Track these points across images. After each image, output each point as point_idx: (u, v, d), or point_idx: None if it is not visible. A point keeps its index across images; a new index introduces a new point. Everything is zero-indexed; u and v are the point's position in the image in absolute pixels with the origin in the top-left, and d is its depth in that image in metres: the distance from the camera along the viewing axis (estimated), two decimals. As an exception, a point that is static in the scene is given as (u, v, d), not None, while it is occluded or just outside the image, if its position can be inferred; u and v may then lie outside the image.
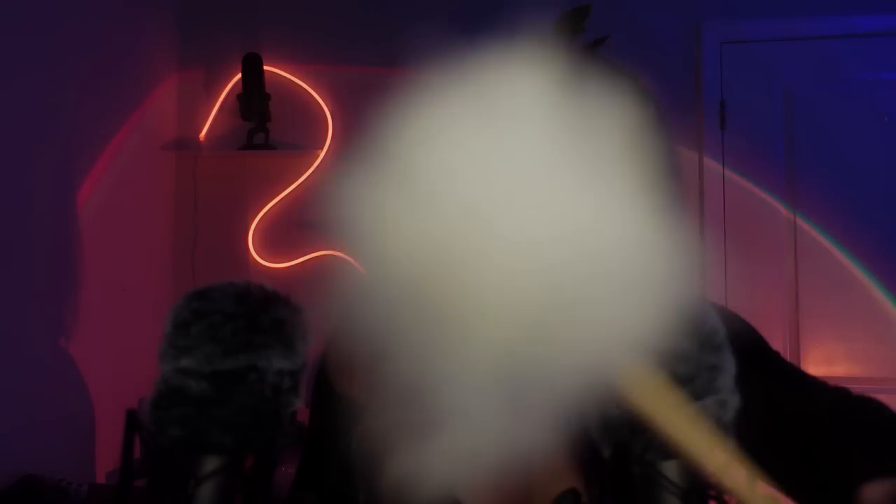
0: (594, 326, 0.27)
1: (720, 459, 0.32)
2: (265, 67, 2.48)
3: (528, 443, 0.29)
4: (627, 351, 0.28)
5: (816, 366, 2.28)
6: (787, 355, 2.25)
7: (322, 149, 2.54)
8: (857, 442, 0.59)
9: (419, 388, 0.28)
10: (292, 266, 2.51)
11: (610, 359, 0.28)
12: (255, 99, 2.47)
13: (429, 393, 0.28)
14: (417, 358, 0.28)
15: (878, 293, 2.29)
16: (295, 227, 2.45)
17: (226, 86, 2.61)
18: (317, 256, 2.44)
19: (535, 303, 0.27)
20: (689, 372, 0.49)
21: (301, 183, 2.52)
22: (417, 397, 0.29)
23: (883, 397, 0.66)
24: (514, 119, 0.27)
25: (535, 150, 0.27)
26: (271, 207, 2.55)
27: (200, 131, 2.61)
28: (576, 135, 0.27)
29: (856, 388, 0.69)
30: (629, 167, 0.28)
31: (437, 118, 0.28)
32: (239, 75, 2.49)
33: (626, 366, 0.29)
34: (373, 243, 0.29)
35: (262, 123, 2.52)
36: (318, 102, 2.56)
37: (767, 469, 0.66)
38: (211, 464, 0.49)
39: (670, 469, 0.49)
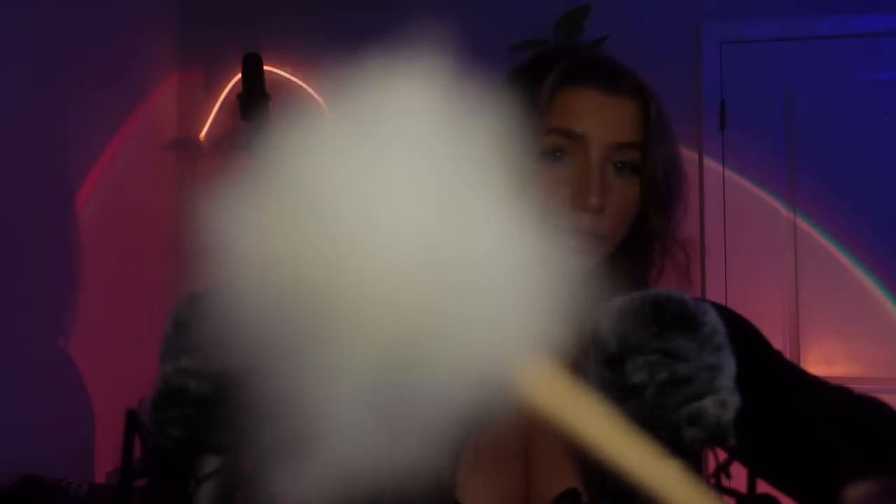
0: (476, 329, 0.27)
1: (635, 452, 0.30)
2: (265, 67, 2.48)
3: (408, 457, 0.27)
4: (516, 349, 0.28)
5: (816, 365, 2.28)
6: (787, 355, 2.25)
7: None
8: (853, 442, 0.59)
9: (290, 402, 0.27)
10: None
11: (498, 358, 0.27)
12: (255, 99, 2.46)
13: (300, 408, 0.27)
14: (289, 371, 0.27)
15: (878, 293, 2.29)
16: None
17: (226, 86, 2.61)
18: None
19: (413, 310, 0.26)
20: (689, 372, 0.49)
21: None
22: (288, 413, 0.27)
23: (883, 397, 0.66)
24: (394, 131, 0.27)
25: (417, 161, 0.27)
26: (271, 207, 2.55)
27: (200, 131, 2.61)
28: (454, 147, 0.27)
29: (856, 388, 0.69)
30: (501, 180, 0.28)
31: (317, 131, 0.29)
32: (239, 75, 2.49)
33: (519, 364, 0.28)
34: (248, 253, 0.28)
35: (262, 123, 2.52)
36: (319, 102, 2.56)
37: (767, 468, 0.66)
38: (211, 464, 0.49)
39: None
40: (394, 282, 0.26)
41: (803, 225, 2.35)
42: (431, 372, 0.26)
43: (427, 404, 0.26)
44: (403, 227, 0.26)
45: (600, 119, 0.74)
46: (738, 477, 0.58)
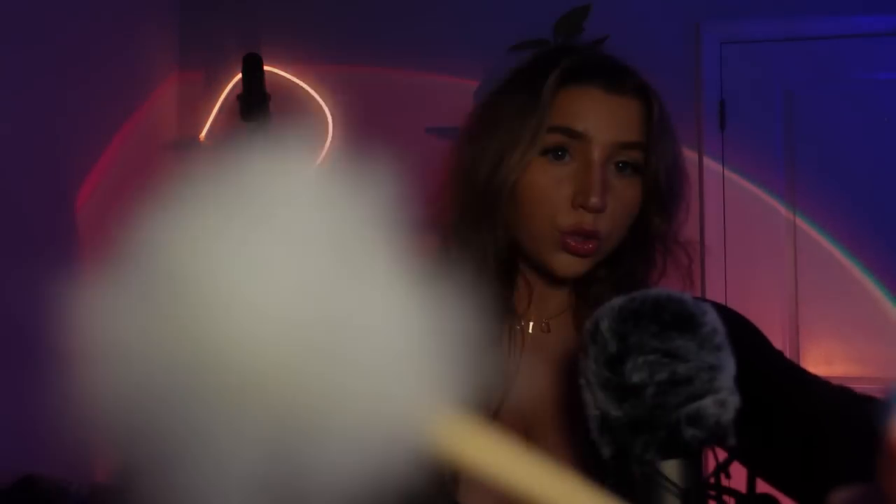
0: (375, 394, 0.25)
1: (554, 487, 0.28)
2: (265, 67, 2.48)
3: None
4: (422, 409, 0.26)
5: (816, 366, 2.28)
6: (787, 355, 2.25)
7: (322, 149, 2.53)
8: (851, 444, 0.59)
9: (179, 494, 0.25)
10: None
11: (404, 420, 0.25)
12: (255, 99, 2.46)
13: (189, 499, 0.25)
14: (169, 467, 0.25)
15: (878, 293, 2.29)
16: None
17: (226, 86, 2.61)
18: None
19: (306, 382, 0.24)
20: (688, 372, 0.49)
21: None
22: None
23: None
24: (271, 206, 0.25)
25: (293, 239, 0.25)
26: (271, 207, 2.55)
27: (200, 131, 2.61)
28: (334, 225, 0.25)
29: (856, 388, 0.69)
30: (383, 253, 0.26)
31: (196, 205, 0.27)
32: (239, 75, 2.49)
33: (428, 422, 0.26)
34: (117, 339, 0.26)
35: (262, 124, 2.52)
36: (318, 102, 2.56)
37: (767, 468, 0.66)
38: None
39: (670, 469, 0.49)
40: (282, 354, 0.24)
41: (803, 225, 2.35)
42: (330, 444, 0.24)
43: (327, 480, 0.24)
44: (290, 296, 0.24)
45: (602, 118, 0.74)
46: (738, 477, 0.58)
